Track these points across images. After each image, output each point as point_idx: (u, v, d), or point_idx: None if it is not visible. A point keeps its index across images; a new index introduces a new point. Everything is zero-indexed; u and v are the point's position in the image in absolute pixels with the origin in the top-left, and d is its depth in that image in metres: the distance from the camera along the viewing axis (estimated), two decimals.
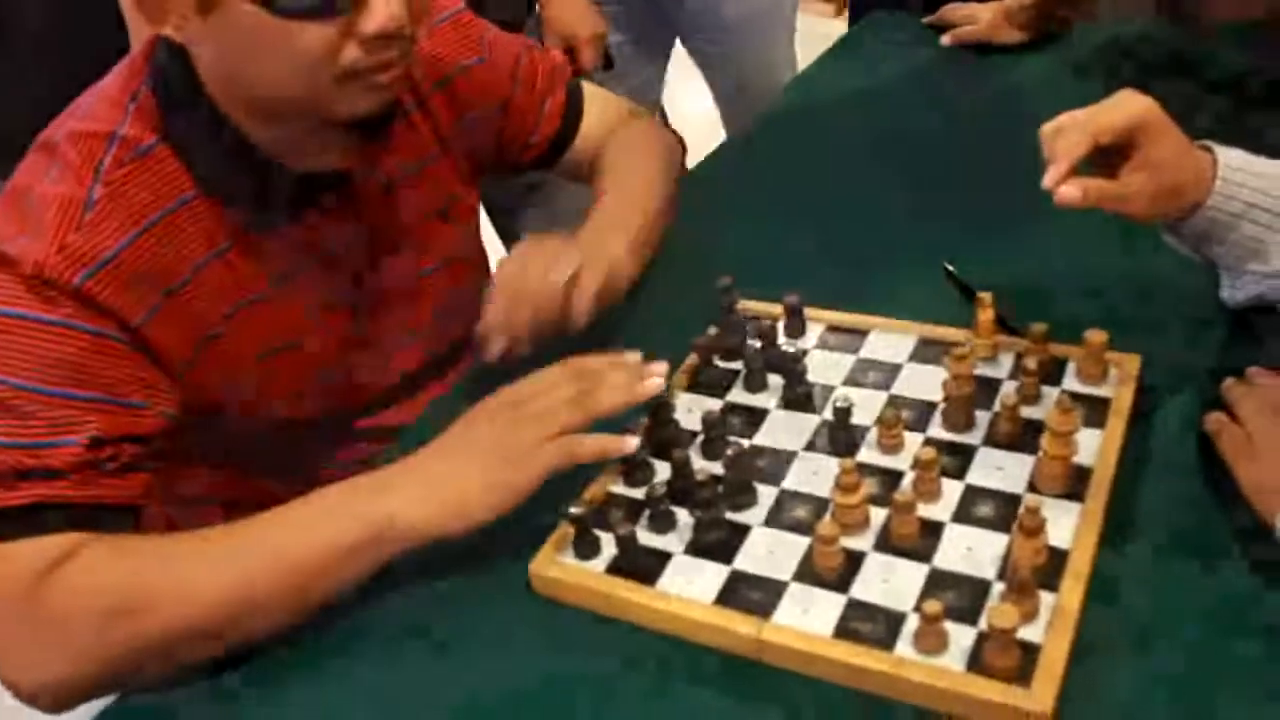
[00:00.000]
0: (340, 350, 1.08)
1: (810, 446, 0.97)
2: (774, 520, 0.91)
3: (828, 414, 0.98)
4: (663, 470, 0.96)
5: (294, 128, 0.97)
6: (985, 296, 1.02)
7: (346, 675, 0.87)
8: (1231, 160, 0.96)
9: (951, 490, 0.90)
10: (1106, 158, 0.94)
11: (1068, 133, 0.93)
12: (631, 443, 0.92)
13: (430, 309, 1.17)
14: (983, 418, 0.97)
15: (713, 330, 1.10)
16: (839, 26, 2.77)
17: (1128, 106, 0.94)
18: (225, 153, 0.96)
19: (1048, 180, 0.92)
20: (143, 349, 0.92)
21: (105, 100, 0.96)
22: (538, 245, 1.06)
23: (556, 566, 0.90)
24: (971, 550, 0.85)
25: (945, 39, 1.75)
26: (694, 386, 1.06)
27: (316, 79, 0.91)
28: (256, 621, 0.87)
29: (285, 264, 1.01)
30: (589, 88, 1.31)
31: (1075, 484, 0.89)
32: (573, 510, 0.90)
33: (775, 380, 1.04)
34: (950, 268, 1.16)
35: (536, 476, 0.89)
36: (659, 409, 0.99)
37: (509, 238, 1.98)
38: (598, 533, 0.91)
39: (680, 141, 1.41)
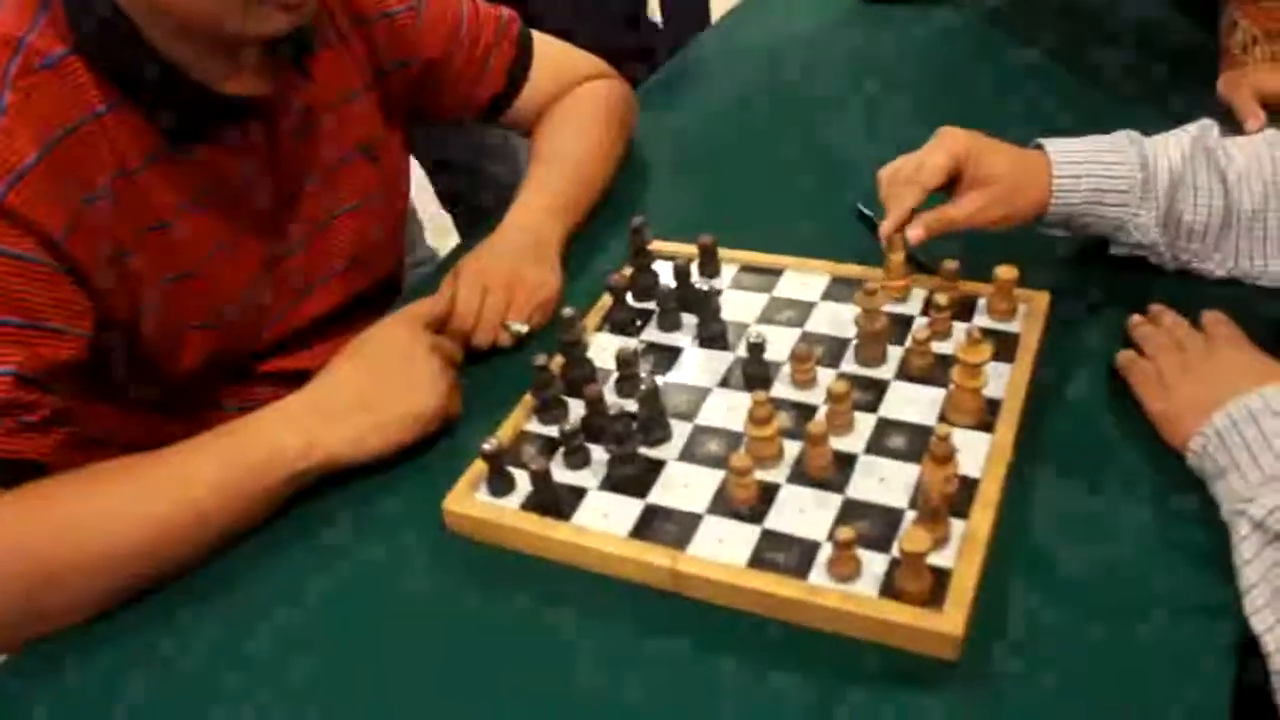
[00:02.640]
0: (249, 284, 1.05)
1: (724, 383, 0.97)
2: (688, 455, 0.91)
3: (741, 351, 0.98)
4: (577, 408, 0.96)
5: (208, 47, 0.95)
6: (895, 237, 1.02)
7: (255, 611, 0.86)
8: (1065, 154, 1.01)
9: (864, 423, 0.91)
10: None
11: (899, 189, 1.02)
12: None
13: (344, 250, 1.15)
14: (895, 353, 0.97)
15: (627, 270, 1.09)
16: None
17: (949, 148, 1.01)
18: (138, 69, 0.92)
19: (883, 232, 1.02)
20: (64, 267, 0.89)
21: (13, 4, 0.92)
22: (497, 290, 1.07)
23: (471, 503, 0.89)
24: (884, 480, 0.86)
25: None
26: (607, 326, 1.06)
27: None
28: (166, 562, 0.86)
29: (196, 188, 0.99)
30: (545, 44, 1.29)
31: (985, 416, 0.90)
32: (486, 447, 0.89)
33: (689, 319, 1.04)
34: (864, 209, 1.16)
35: (442, 401, 0.94)
36: (572, 347, 0.98)
37: (471, 196, 1.94)
38: (512, 470, 0.90)
39: (633, 97, 1.40)
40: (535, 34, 1.29)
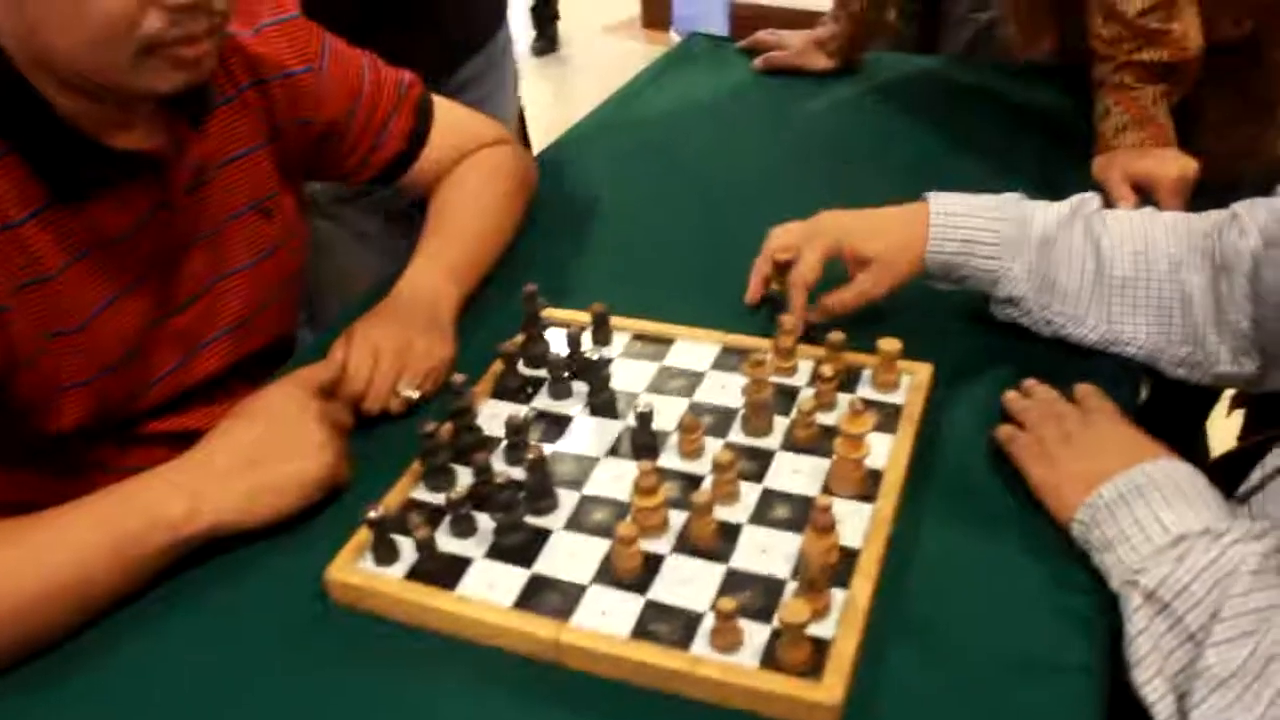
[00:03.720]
0: (134, 342, 1.03)
1: (613, 452, 0.98)
2: (575, 524, 0.91)
3: (631, 420, 0.99)
4: (465, 476, 0.95)
5: (100, 101, 0.93)
6: (785, 319, 1.05)
7: (128, 680, 0.83)
8: (944, 205, 1.07)
9: (749, 493, 0.92)
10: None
11: (760, 258, 1.16)
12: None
13: (235, 310, 1.13)
14: (781, 424, 0.99)
15: (519, 337, 1.09)
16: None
17: (818, 246, 1.09)
18: (26, 121, 0.91)
19: (790, 328, 1.07)
20: None
21: None
22: (388, 355, 1.06)
23: (354, 572, 0.88)
24: (767, 550, 0.87)
25: (757, 63, 1.80)
26: (498, 393, 1.06)
27: (116, 50, 0.87)
28: (41, 630, 0.83)
29: (83, 243, 0.97)
30: (446, 109, 1.30)
31: (868, 486, 0.91)
32: (371, 514, 0.88)
33: (580, 387, 1.04)
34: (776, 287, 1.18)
35: (330, 467, 0.94)
36: (461, 414, 0.98)
37: None
38: (396, 538, 0.90)
39: (533, 164, 1.41)
40: (436, 99, 1.29)
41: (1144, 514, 0.83)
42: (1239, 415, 1.27)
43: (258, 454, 0.92)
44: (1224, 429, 1.46)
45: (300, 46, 1.15)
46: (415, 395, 1.05)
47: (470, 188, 1.28)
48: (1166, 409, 1.64)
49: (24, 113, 0.91)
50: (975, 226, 1.06)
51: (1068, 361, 1.06)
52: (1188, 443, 1.74)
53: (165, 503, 0.88)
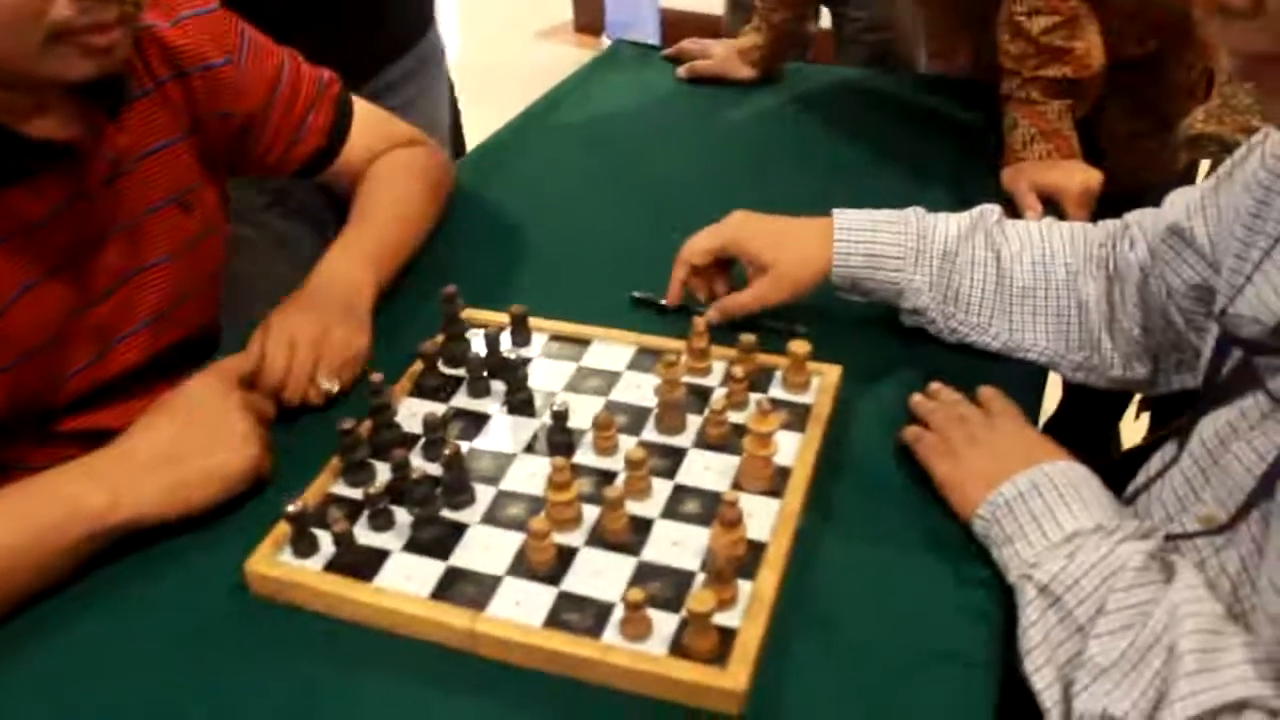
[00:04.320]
0: (52, 331, 1.03)
1: (529, 449, 1.00)
2: (490, 518, 0.93)
3: (547, 418, 1.01)
4: (383, 472, 0.97)
5: (12, 89, 0.94)
6: (698, 321, 1.08)
7: (47, 671, 0.84)
8: (847, 222, 1.12)
9: (661, 489, 0.95)
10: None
11: (676, 265, 1.18)
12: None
13: (154, 303, 1.13)
14: (694, 422, 1.02)
15: (439, 337, 1.11)
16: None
17: (718, 233, 1.16)
18: None
19: (667, 301, 1.18)
20: None
21: None
22: (305, 346, 1.07)
23: (273, 565, 0.89)
24: (678, 544, 0.89)
25: (681, 71, 1.83)
26: (417, 391, 1.08)
27: (23, 37, 0.87)
28: None
29: (0, 227, 0.97)
30: (365, 109, 1.32)
31: (776, 483, 0.94)
32: (290, 508, 0.89)
33: (498, 386, 1.06)
34: (637, 295, 1.21)
35: (252, 460, 0.95)
36: (380, 411, 1.00)
37: None
38: (315, 531, 0.91)
39: (450, 165, 1.43)
40: (355, 99, 1.31)
41: (1041, 511, 0.87)
42: (1146, 417, 1.32)
43: (180, 447, 0.93)
44: (1135, 430, 1.52)
45: (219, 38, 1.15)
46: (334, 387, 1.06)
47: (385, 182, 1.29)
48: (1081, 411, 1.70)
49: None
50: (879, 241, 1.10)
51: (973, 365, 1.10)
52: (1101, 443, 1.80)
53: (86, 494, 0.89)
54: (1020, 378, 1.09)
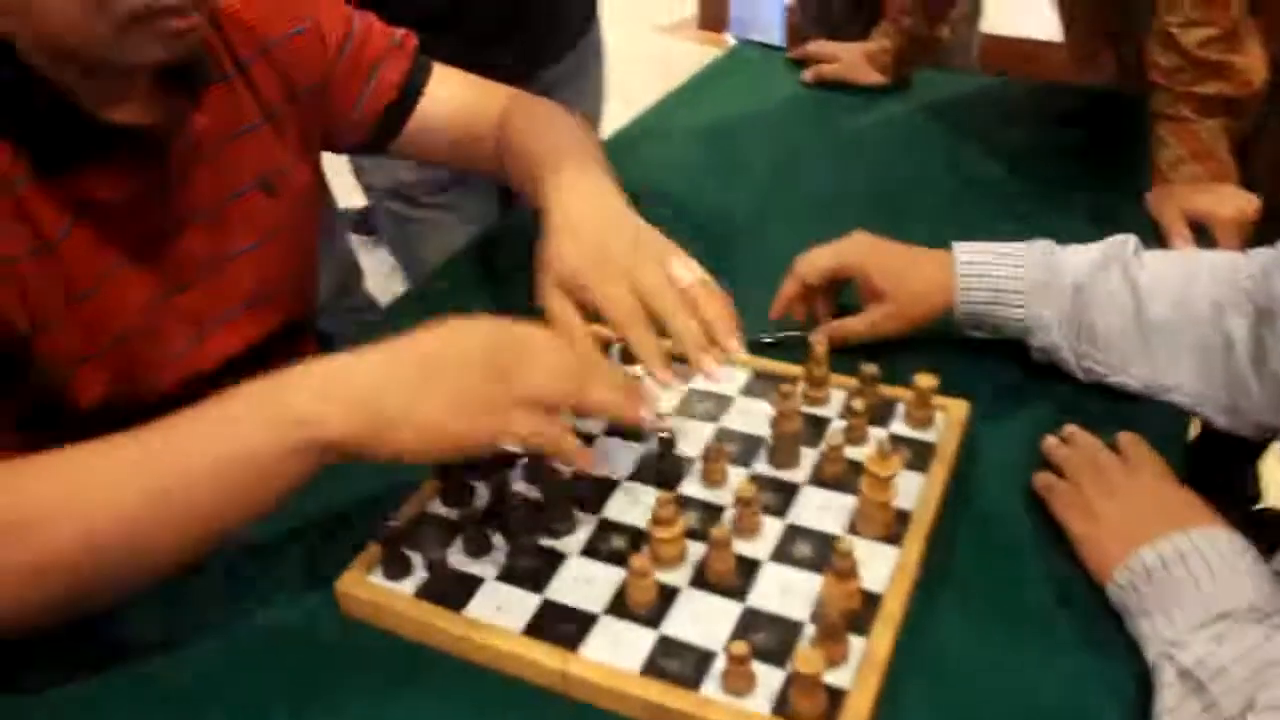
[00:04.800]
0: (144, 313, 1.02)
1: (634, 476, 0.95)
2: (591, 550, 0.88)
3: (654, 443, 0.96)
4: (483, 492, 0.93)
5: (91, 73, 0.92)
6: (818, 341, 1.02)
7: (142, 682, 0.82)
8: (969, 255, 1.06)
9: (772, 528, 0.89)
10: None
11: (787, 279, 1.12)
12: (602, 468, 0.87)
13: (246, 289, 1.11)
14: (810, 456, 0.96)
15: None
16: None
17: (837, 253, 1.10)
18: (17, 88, 0.89)
19: (771, 314, 1.12)
20: None
21: None
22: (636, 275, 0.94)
23: (364, 586, 0.86)
24: (786, 591, 0.84)
25: (807, 75, 1.77)
26: None
27: (100, 22, 0.85)
28: (161, 545, 0.78)
29: (81, 211, 0.95)
30: (447, 69, 1.26)
31: (894, 528, 0.88)
32: (384, 528, 0.86)
33: None
34: (764, 339, 1.14)
35: (485, 438, 0.81)
36: None
37: None
38: (409, 553, 0.88)
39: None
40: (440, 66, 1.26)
41: (1186, 584, 0.79)
42: None
43: (400, 387, 0.82)
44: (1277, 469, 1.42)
45: (291, 7, 1.13)
46: (693, 273, 0.93)
47: (548, 108, 1.22)
48: (1217, 446, 1.60)
49: (16, 84, 0.89)
50: (1002, 275, 1.04)
51: (1111, 406, 1.03)
52: (1237, 482, 1.70)
53: (297, 401, 0.80)
54: (1162, 422, 1.01)
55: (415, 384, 0.81)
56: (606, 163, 1.14)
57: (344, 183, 1.77)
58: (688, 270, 0.95)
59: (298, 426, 0.79)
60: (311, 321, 1.27)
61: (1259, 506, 1.21)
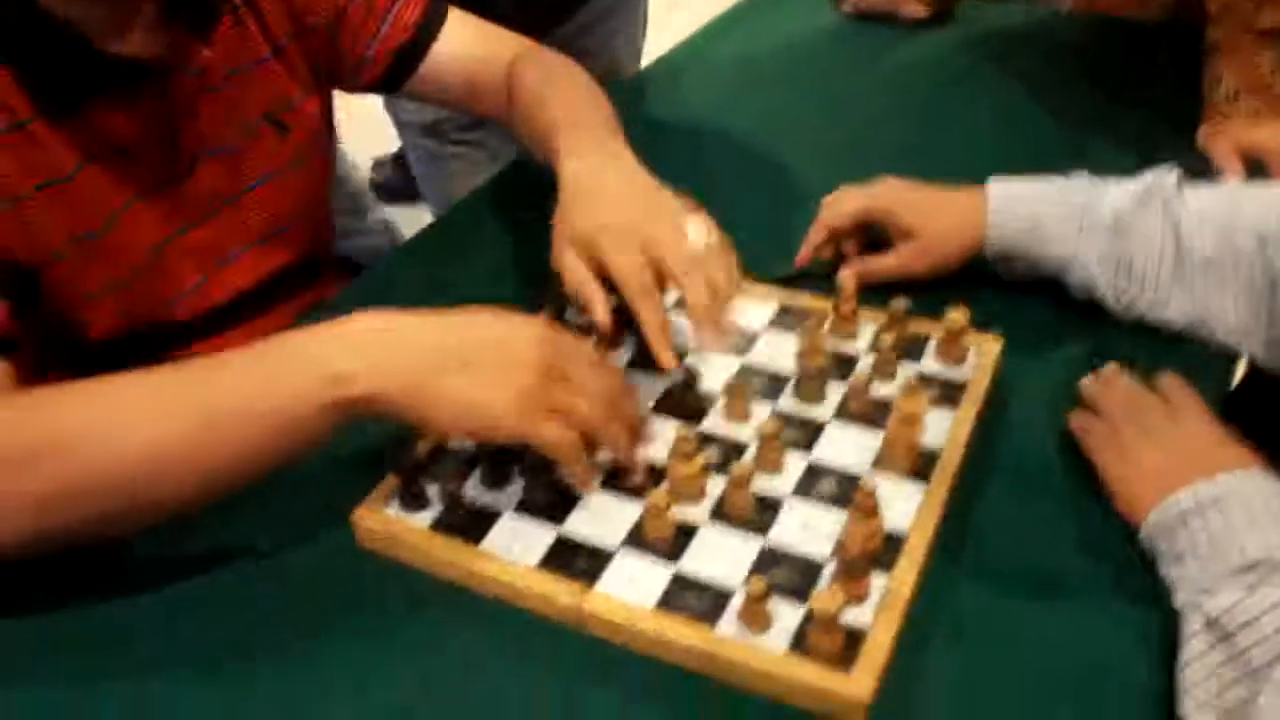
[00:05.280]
0: (153, 252, 1.01)
1: (657, 409, 0.93)
2: (609, 484, 0.86)
3: (677, 376, 0.94)
4: None
5: (97, 4, 0.90)
6: (847, 282, 0.99)
7: (160, 622, 0.81)
8: (1005, 189, 1.03)
9: (795, 464, 0.87)
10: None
11: (815, 225, 1.09)
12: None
13: (258, 225, 1.10)
14: (836, 392, 0.93)
15: None
16: None
17: (865, 197, 1.07)
18: (23, 21, 0.88)
19: (797, 261, 1.09)
20: None
21: None
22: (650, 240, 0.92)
23: (380, 518, 0.85)
24: (808, 528, 0.82)
25: (845, 6, 1.73)
26: None
27: None
28: (187, 480, 0.78)
29: (92, 146, 0.94)
30: (463, 14, 1.23)
31: (921, 466, 0.86)
32: (401, 460, 0.85)
33: (628, 338, 1.00)
34: (778, 275, 1.10)
35: (517, 433, 0.80)
36: None
37: None
38: (426, 485, 0.86)
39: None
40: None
41: (1221, 530, 0.76)
42: None
43: (446, 354, 0.80)
44: None
45: None
46: (708, 237, 0.93)
47: (559, 65, 1.20)
48: (1257, 395, 1.55)
49: (22, 16, 0.88)
50: (1039, 210, 1.01)
51: (1151, 346, 0.99)
52: (1270, 439, 1.64)
53: (333, 357, 0.78)
54: (1204, 365, 0.97)
55: (464, 364, 0.80)
56: (617, 122, 1.12)
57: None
58: (702, 232, 0.93)
59: (334, 383, 0.78)
60: (328, 257, 1.26)
61: None
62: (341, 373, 0.78)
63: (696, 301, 0.90)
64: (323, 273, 1.23)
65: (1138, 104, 1.41)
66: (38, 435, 0.76)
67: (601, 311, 0.92)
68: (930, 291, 1.02)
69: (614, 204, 0.96)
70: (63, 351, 0.99)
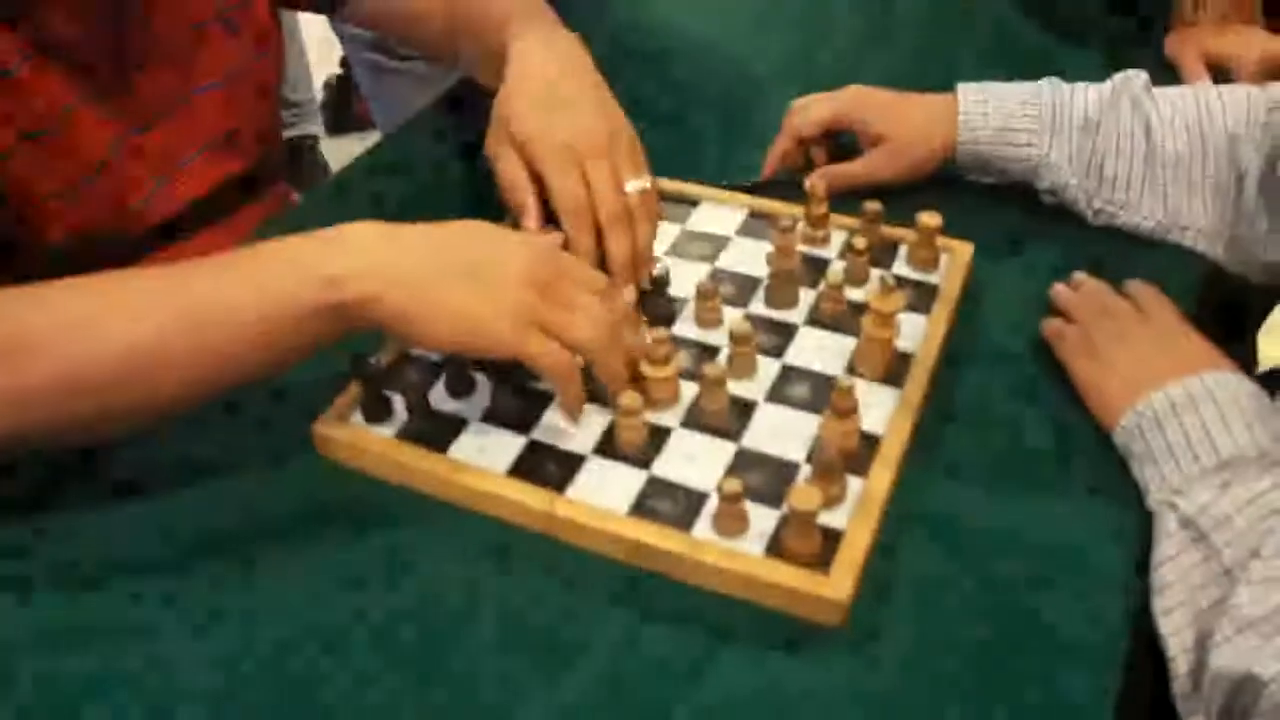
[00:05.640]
0: (109, 152, 0.97)
1: None
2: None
3: (644, 283, 0.92)
4: None
5: None
6: (818, 185, 0.97)
7: (119, 532, 0.79)
8: (973, 94, 1.02)
9: (767, 369, 0.86)
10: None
11: (782, 132, 1.08)
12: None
13: (209, 128, 1.07)
14: (808, 297, 0.92)
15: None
16: None
17: (834, 102, 1.06)
18: None
19: (764, 173, 1.08)
20: None
21: None
22: (591, 152, 0.90)
23: (343, 428, 0.83)
24: (781, 431, 0.81)
25: None
26: None
27: None
28: (173, 380, 0.74)
29: (37, 43, 0.90)
30: None
31: (895, 369, 0.85)
32: (364, 368, 0.82)
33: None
34: (725, 184, 1.07)
35: (510, 346, 0.76)
36: None
37: None
38: (390, 394, 0.84)
39: None
40: None
41: (1194, 429, 0.75)
42: None
43: (435, 261, 0.78)
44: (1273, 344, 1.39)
45: None
46: (646, 184, 0.91)
47: None
48: (1214, 311, 1.56)
49: None
50: (1008, 113, 1.00)
51: (1121, 250, 0.98)
52: (1231, 351, 1.65)
53: (322, 261, 0.75)
54: (1176, 269, 0.97)
55: (464, 277, 0.77)
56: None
57: None
58: (637, 177, 0.92)
59: (326, 286, 0.74)
60: (276, 168, 1.22)
61: (1262, 371, 1.17)
62: (335, 276, 0.74)
63: (617, 254, 0.89)
64: (271, 185, 1.19)
65: (1100, 10, 1.40)
66: (30, 328, 0.73)
67: (534, 222, 0.90)
68: (899, 199, 1.00)
69: (559, 101, 0.93)
70: (20, 262, 0.96)
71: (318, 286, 0.74)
